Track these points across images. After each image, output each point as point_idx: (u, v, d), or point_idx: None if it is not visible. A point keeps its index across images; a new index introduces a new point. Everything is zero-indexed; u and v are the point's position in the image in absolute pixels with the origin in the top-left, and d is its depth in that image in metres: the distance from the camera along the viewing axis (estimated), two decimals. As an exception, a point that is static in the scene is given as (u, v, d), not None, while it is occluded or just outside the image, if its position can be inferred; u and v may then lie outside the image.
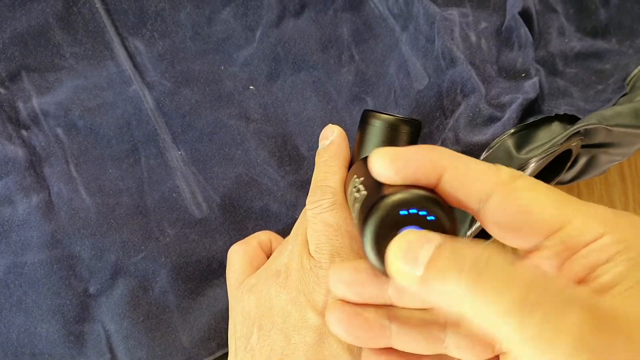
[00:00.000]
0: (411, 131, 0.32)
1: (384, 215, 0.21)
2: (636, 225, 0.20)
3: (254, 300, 0.31)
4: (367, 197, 0.23)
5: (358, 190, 0.25)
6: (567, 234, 0.20)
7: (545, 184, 0.21)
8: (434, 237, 0.20)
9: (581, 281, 0.20)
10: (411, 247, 0.20)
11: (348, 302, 0.25)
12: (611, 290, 0.19)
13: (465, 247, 0.19)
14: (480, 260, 0.18)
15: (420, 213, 0.21)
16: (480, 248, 0.19)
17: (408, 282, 0.20)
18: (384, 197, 0.21)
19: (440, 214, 0.21)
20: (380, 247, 0.21)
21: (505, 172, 0.22)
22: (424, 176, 0.22)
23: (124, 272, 0.38)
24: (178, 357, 0.37)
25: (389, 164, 0.22)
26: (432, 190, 0.22)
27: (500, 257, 0.18)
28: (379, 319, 0.25)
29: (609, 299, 0.18)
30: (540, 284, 0.17)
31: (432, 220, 0.21)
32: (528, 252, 0.22)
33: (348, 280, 0.25)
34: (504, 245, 0.23)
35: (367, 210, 0.22)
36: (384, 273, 0.21)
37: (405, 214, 0.21)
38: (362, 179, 0.26)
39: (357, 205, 0.24)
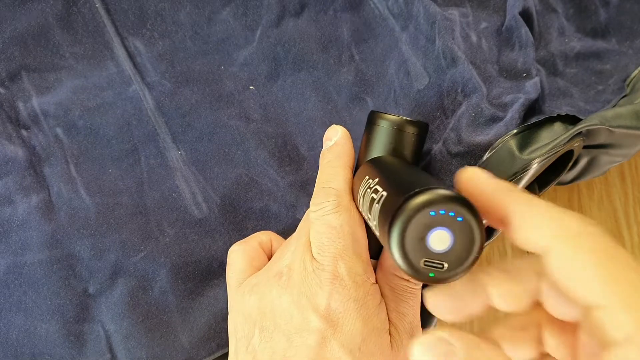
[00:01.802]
0: (418, 133, 0.32)
1: (411, 216, 0.21)
2: None
3: (255, 300, 0.31)
4: (388, 197, 0.23)
5: (375, 191, 0.25)
6: (604, 318, 0.19)
7: (611, 249, 0.20)
8: (456, 347, 0.20)
9: None
10: (436, 356, 0.21)
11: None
12: None
13: None
14: None
15: (450, 214, 0.21)
16: None
17: None
18: (410, 197, 0.21)
19: (469, 215, 0.21)
20: (409, 249, 0.21)
21: (570, 224, 0.20)
22: (485, 211, 0.22)
23: (124, 272, 0.38)
24: (178, 357, 0.37)
25: (471, 181, 0.23)
26: (457, 191, 0.22)
27: None
28: None
29: None
30: None
31: (460, 221, 0.21)
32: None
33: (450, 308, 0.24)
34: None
35: (393, 211, 0.21)
36: (411, 276, 0.21)
37: (434, 215, 0.20)
38: (377, 179, 0.26)
39: (377, 206, 0.24)
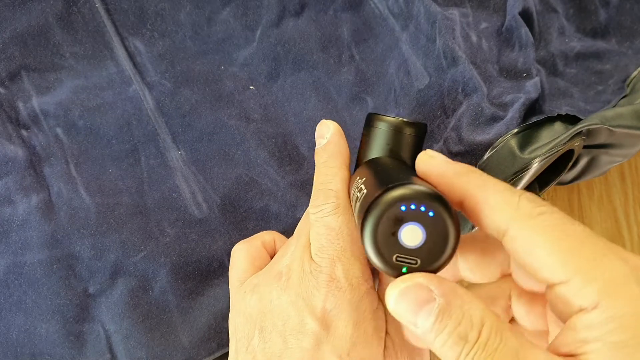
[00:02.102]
0: (416, 134, 0.31)
1: (383, 211, 0.21)
2: (637, 300, 0.19)
3: (255, 300, 0.31)
4: (367, 195, 0.23)
5: (360, 190, 0.25)
6: (566, 292, 0.20)
7: (564, 225, 0.20)
8: (435, 293, 0.20)
9: (571, 355, 0.20)
10: (412, 303, 0.20)
11: None
12: None
13: (464, 320, 0.20)
14: (480, 339, 0.19)
15: (421, 209, 0.20)
16: (479, 323, 0.20)
17: (412, 328, 0.21)
18: (383, 192, 0.21)
19: (441, 210, 0.20)
20: (381, 244, 0.21)
21: (525, 207, 0.21)
22: (447, 194, 0.22)
23: (124, 272, 0.38)
24: (178, 357, 0.37)
25: (423, 166, 0.23)
26: (433, 186, 0.22)
27: (492, 341, 0.19)
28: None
29: None
30: None
31: (432, 216, 0.21)
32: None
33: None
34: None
35: (366, 206, 0.21)
36: (385, 272, 0.21)
37: (405, 210, 0.20)
38: (364, 179, 0.26)
39: (358, 205, 0.24)
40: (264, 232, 0.36)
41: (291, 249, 0.32)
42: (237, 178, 0.40)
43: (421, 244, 0.21)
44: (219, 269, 0.39)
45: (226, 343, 0.37)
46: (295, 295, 0.29)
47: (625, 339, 0.18)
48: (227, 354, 0.37)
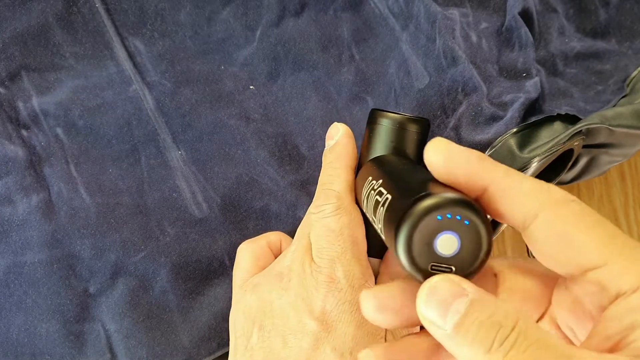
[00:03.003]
0: (420, 130, 0.31)
1: (418, 221, 0.20)
2: None
3: (255, 299, 0.31)
4: (393, 201, 0.23)
5: (380, 194, 0.25)
6: (603, 275, 0.19)
7: (596, 215, 0.20)
8: (467, 290, 0.19)
9: (616, 347, 0.19)
10: (442, 298, 0.19)
11: (390, 344, 0.23)
12: None
13: (496, 312, 0.18)
14: (510, 337, 0.18)
15: (457, 218, 0.20)
16: (513, 316, 0.18)
17: (435, 333, 0.19)
18: (416, 201, 0.20)
19: (475, 218, 0.20)
20: (416, 254, 0.20)
21: (556, 193, 0.21)
22: (465, 182, 0.21)
23: (124, 271, 0.38)
24: (178, 357, 0.37)
25: (442, 153, 0.21)
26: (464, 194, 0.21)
27: (531, 332, 0.18)
28: (428, 345, 0.23)
29: None
30: None
31: (467, 224, 0.20)
32: (568, 279, 0.22)
33: (388, 307, 0.23)
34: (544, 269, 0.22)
35: (399, 215, 0.21)
36: (419, 281, 0.21)
37: (441, 219, 0.20)
38: (380, 181, 0.26)
39: (382, 210, 0.24)
40: (271, 232, 0.37)
41: (292, 249, 0.32)
42: (237, 178, 0.40)
43: (456, 252, 0.20)
44: (219, 269, 0.39)
45: (226, 343, 0.37)
46: (295, 296, 0.29)
47: None
48: (227, 354, 0.37)
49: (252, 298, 0.31)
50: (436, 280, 0.20)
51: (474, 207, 0.20)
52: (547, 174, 0.38)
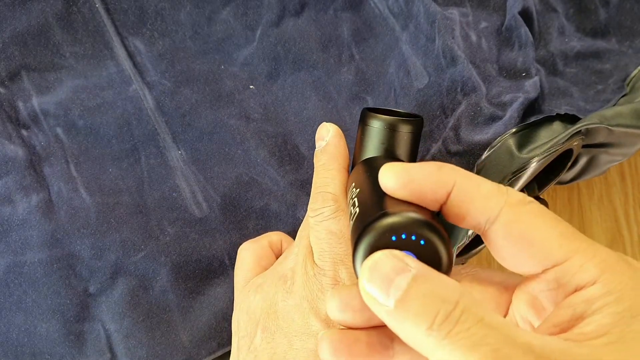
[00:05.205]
0: (412, 130, 0.31)
1: (374, 241, 0.20)
2: (634, 276, 0.19)
3: (259, 300, 0.31)
4: (358, 217, 0.23)
5: (354, 205, 0.25)
6: (563, 272, 0.20)
7: (553, 214, 0.21)
8: (410, 265, 0.19)
9: (565, 329, 0.20)
10: (385, 274, 0.19)
11: (344, 329, 0.24)
12: (593, 341, 0.18)
13: (439, 288, 0.18)
14: (454, 313, 0.18)
15: (412, 238, 0.20)
16: (456, 292, 0.18)
17: (378, 311, 0.19)
18: (374, 221, 0.20)
19: (432, 237, 0.20)
20: None
21: (515, 195, 0.21)
22: (431, 192, 0.22)
23: (124, 271, 0.38)
24: (178, 357, 0.37)
25: (396, 179, 0.22)
26: (427, 212, 0.21)
27: (475, 310, 0.18)
28: (381, 340, 0.23)
29: (587, 349, 0.18)
30: (508, 345, 0.17)
31: (423, 244, 0.20)
32: (527, 278, 0.22)
33: (349, 305, 0.23)
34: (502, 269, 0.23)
35: (358, 232, 0.21)
36: None
37: (395, 240, 0.20)
38: (357, 190, 0.26)
39: (351, 223, 0.24)
40: (272, 232, 0.37)
41: (294, 251, 0.32)
42: (237, 177, 0.40)
43: None
44: (219, 268, 0.39)
45: (227, 342, 0.37)
46: (300, 298, 0.29)
47: (623, 310, 0.19)
48: (227, 354, 0.37)
49: (256, 299, 0.31)
50: (379, 255, 0.20)
51: (429, 225, 0.20)
52: (547, 174, 0.38)
